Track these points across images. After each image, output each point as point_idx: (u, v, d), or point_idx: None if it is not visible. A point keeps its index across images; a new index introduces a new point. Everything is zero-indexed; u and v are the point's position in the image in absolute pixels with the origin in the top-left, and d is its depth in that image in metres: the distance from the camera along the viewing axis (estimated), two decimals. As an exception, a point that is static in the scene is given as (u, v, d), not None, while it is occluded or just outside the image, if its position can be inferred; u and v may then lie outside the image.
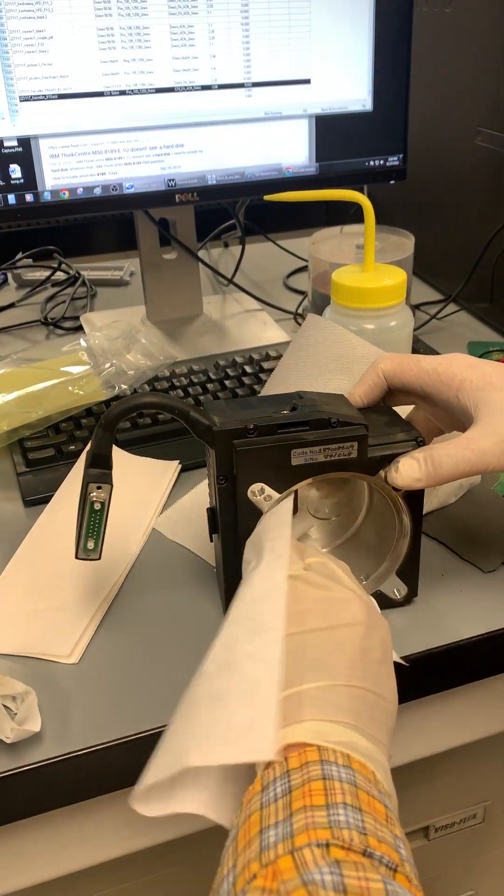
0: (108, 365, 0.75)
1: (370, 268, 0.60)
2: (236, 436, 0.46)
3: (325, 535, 0.55)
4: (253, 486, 0.47)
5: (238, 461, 0.46)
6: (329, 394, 0.50)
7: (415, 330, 0.94)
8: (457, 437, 0.47)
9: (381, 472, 0.48)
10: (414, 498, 0.49)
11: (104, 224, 1.29)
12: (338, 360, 0.52)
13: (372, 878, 0.27)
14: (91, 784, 0.47)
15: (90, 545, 0.49)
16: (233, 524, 0.48)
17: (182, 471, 0.70)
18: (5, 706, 0.46)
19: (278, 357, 0.81)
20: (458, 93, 0.93)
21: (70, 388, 0.73)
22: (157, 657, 0.52)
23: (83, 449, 0.69)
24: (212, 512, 0.51)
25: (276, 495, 0.47)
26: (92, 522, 0.49)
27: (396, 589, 0.54)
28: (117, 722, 0.47)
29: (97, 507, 0.48)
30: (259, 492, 0.47)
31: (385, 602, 0.54)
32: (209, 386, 0.78)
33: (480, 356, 0.87)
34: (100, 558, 0.50)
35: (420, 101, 0.97)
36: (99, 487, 0.48)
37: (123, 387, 0.74)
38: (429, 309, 0.98)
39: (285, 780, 0.33)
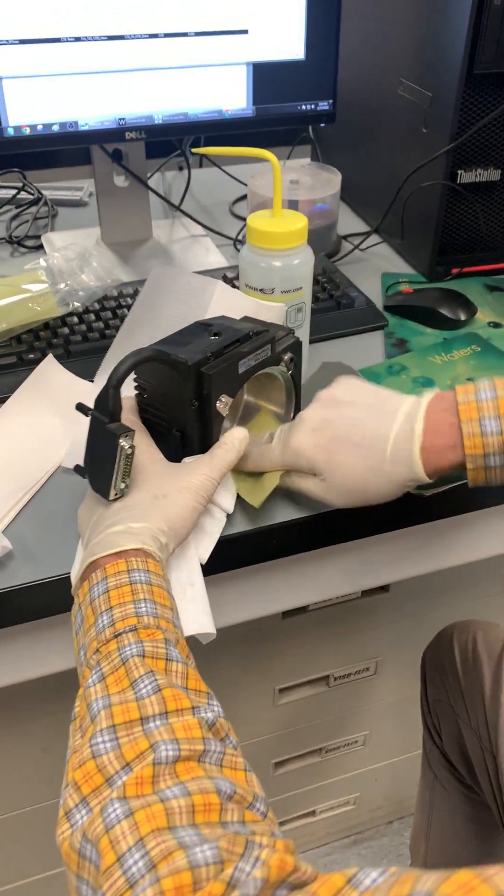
0: (62, 285, 0.88)
1: (278, 213, 0.72)
2: (202, 364, 0.57)
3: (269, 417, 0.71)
4: (219, 398, 0.58)
5: (210, 383, 0.57)
6: (221, 316, 0.64)
7: (338, 259, 1.07)
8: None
9: (282, 364, 0.64)
10: (296, 377, 0.66)
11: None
12: (175, 295, 0.67)
13: (157, 639, 0.46)
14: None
15: (122, 485, 0.56)
16: (203, 437, 0.60)
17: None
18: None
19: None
20: (385, 46, 1.03)
21: (30, 304, 0.85)
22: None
23: (41, 357, 0.82)
24: (181, 433, 0.60)
25: (230, 401, 0.60)
26: (126, 466, 0.56)
27: None
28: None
29: (129, 451, 0.55)
30: (223, 402, 0.59)
31: None
32: (151, 305, 0.91)
33: (388, 287, 1.01)
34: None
35: (351, 52, 1.07)
36: (126, 436, 0.55)
37: (76, 304, 0.86)
38: (354, 240, 1.10)
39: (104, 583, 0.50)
